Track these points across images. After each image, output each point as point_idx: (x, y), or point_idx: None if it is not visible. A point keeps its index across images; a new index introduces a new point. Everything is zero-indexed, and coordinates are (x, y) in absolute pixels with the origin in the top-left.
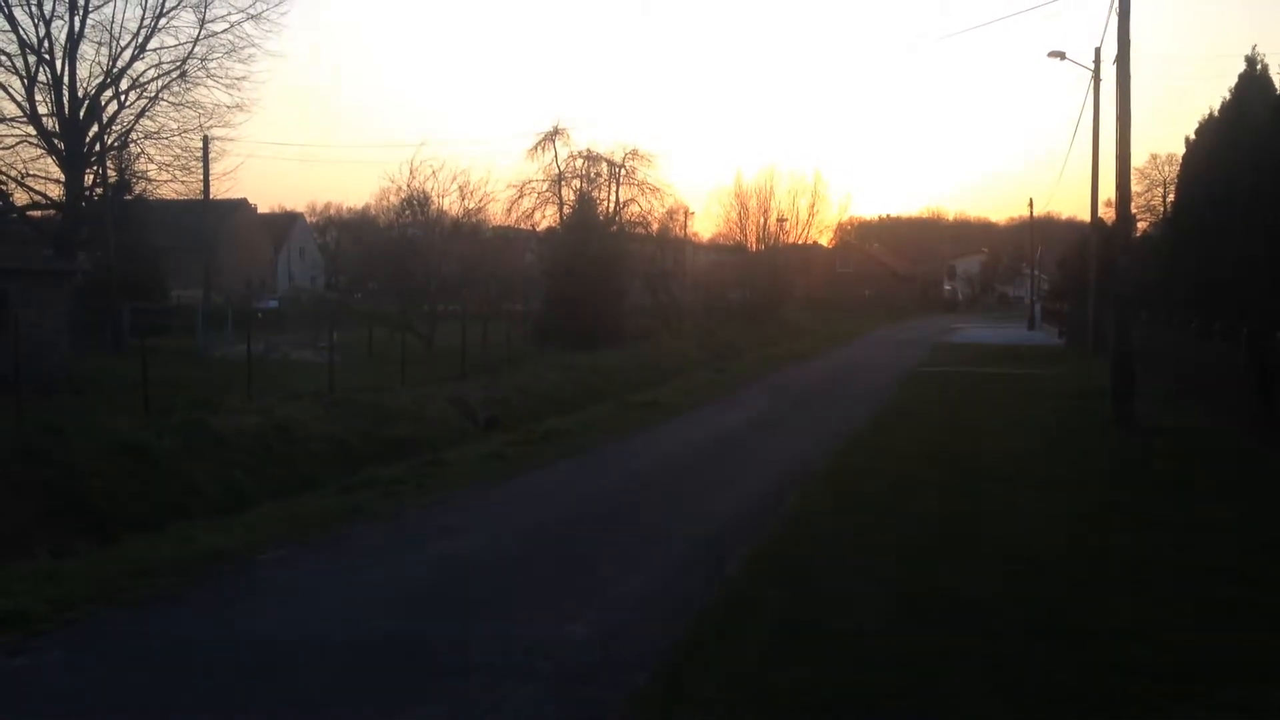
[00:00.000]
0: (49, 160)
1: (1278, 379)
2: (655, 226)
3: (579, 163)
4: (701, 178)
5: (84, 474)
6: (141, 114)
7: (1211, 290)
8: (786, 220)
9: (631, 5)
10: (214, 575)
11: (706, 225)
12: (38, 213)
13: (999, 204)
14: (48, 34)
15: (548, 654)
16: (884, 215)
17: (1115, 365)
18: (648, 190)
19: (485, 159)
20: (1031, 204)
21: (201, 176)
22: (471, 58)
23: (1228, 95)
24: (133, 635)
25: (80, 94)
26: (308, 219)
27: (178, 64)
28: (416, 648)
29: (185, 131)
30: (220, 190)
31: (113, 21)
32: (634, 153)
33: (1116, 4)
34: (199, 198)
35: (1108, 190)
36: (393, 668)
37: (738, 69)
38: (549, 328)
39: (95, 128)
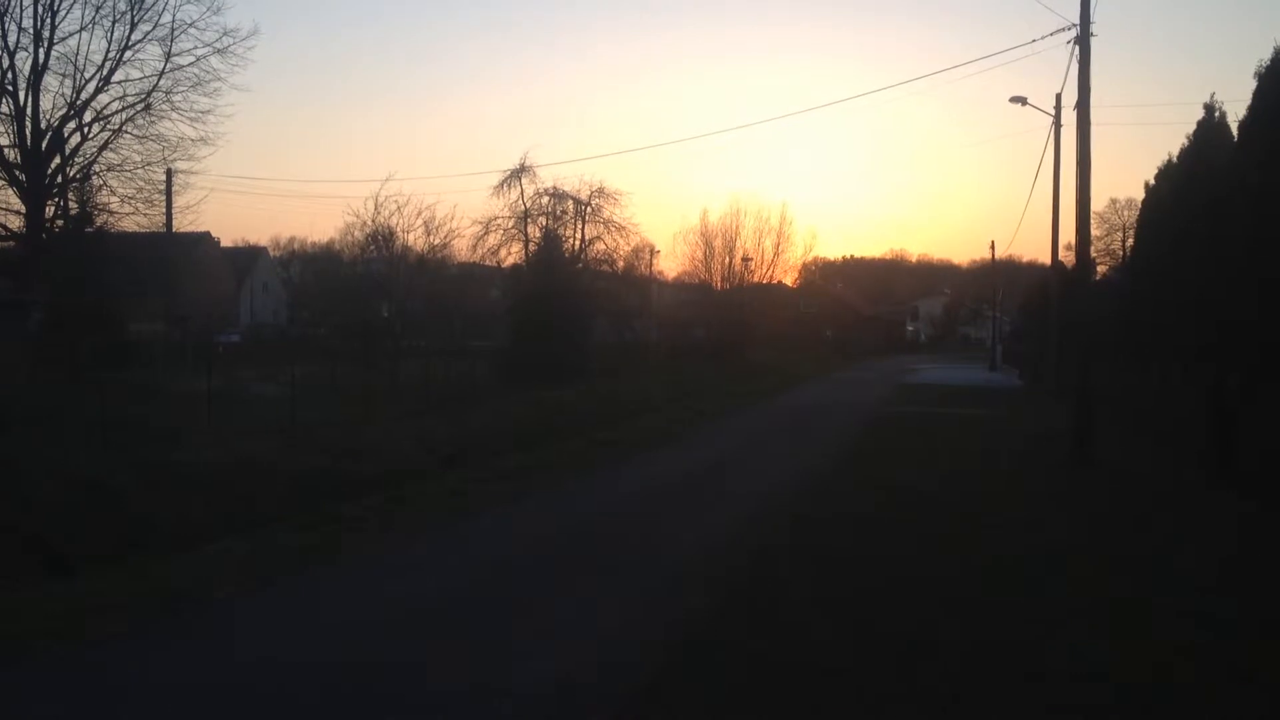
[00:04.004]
0: (10, 191)
1: (1234, 423)
2: (621, 264)
3: (545, 200)
4: (667, 216)
5: (40, 508)
6: (105, 146)
7: (1169, 333)
8: (751, 260)
9: (599, 47)
10: (170, 612)
11: (672, 264)
12: None
13: (962, 246)
14: (11, 65)
15: (505, 692)
16: (848, 256)
17: (1076, 407)
18: (613, 228)
19: (451, 195)
20: (993, 246)
21: (164, 209)
22: (439, 94)
23: (1187, 141)
24: (86, 672)
25: (43, 126)
26: (271, 253)
27: (142, 97)
28: (374, 685)
29: (148, 164)
30: (183, 223)
31: (77, 54)
32: (600, 190)
33: (1077, 52)
34: (161, 231)
35: (1068, 234)
36: (349, 707)
37: (706, 110)
38: (513, 364)
39: (57, 159)
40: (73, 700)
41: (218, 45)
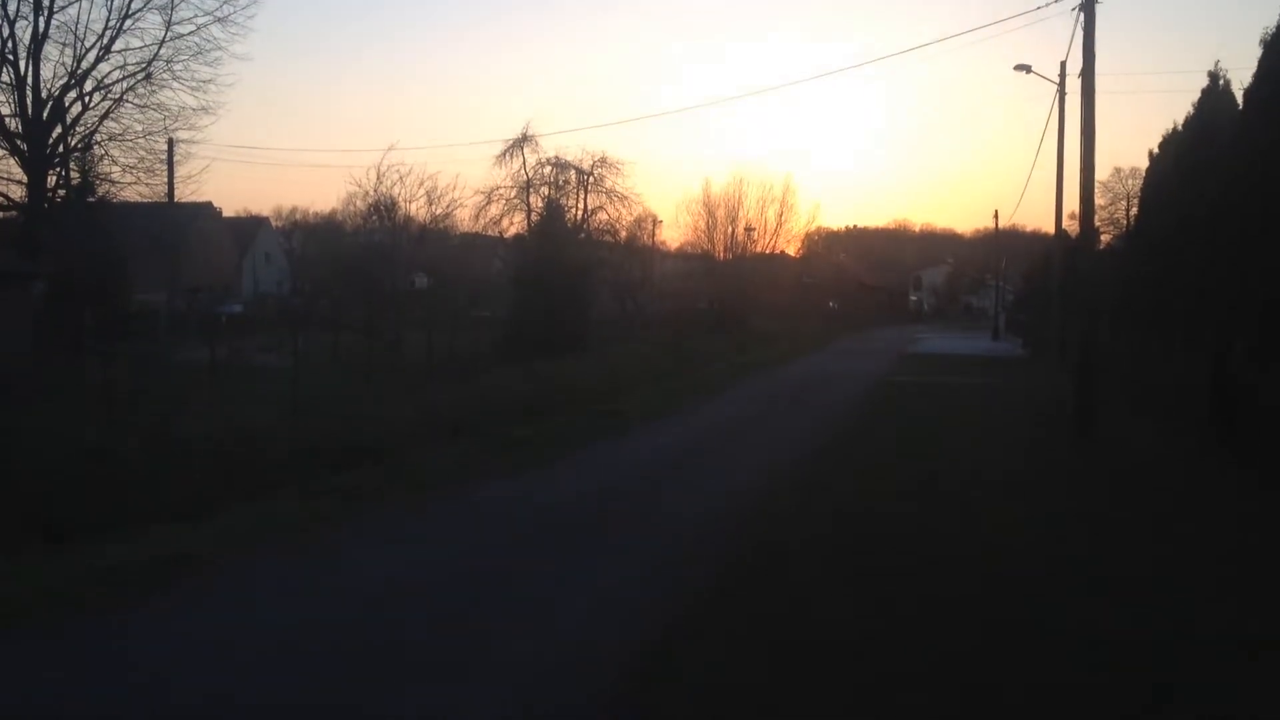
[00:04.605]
0: (11, 161)
1: (1237, 394)
2: (623, 235)
3: (547, 170)
4: (670, 186)
5: (44, 478)
6: (106, 115)
7: (1173, 303)
8: (754, 230)
9: (601, 13)
10: (173, 580)
11: (674, 234)
12: None
13: (965, 216)
14: (11, 34)
15: (514, 659)
16: (851, 225)
17: (1078, 379)
18: (616, 198)
19: (453, 165)
20: (997, 216)
21: (166, 179)
22: (440, 63)
23: (1191, 110)
24: (87, 640)
25: (44, 95)
26: (274, 224)
27: (143, 66)
28: (380, 651)
29: (150, 134)
30: (185, 193)
31: (78, 22)
32: (602, 160)
33: (1081, 19)
34: (163, 201)
35: (1072, 203)
36: (356, 669)
37: (708, 79)
38: (516, 335)
39: (59, 129)
40: (74, 668)
41: (218, 14)
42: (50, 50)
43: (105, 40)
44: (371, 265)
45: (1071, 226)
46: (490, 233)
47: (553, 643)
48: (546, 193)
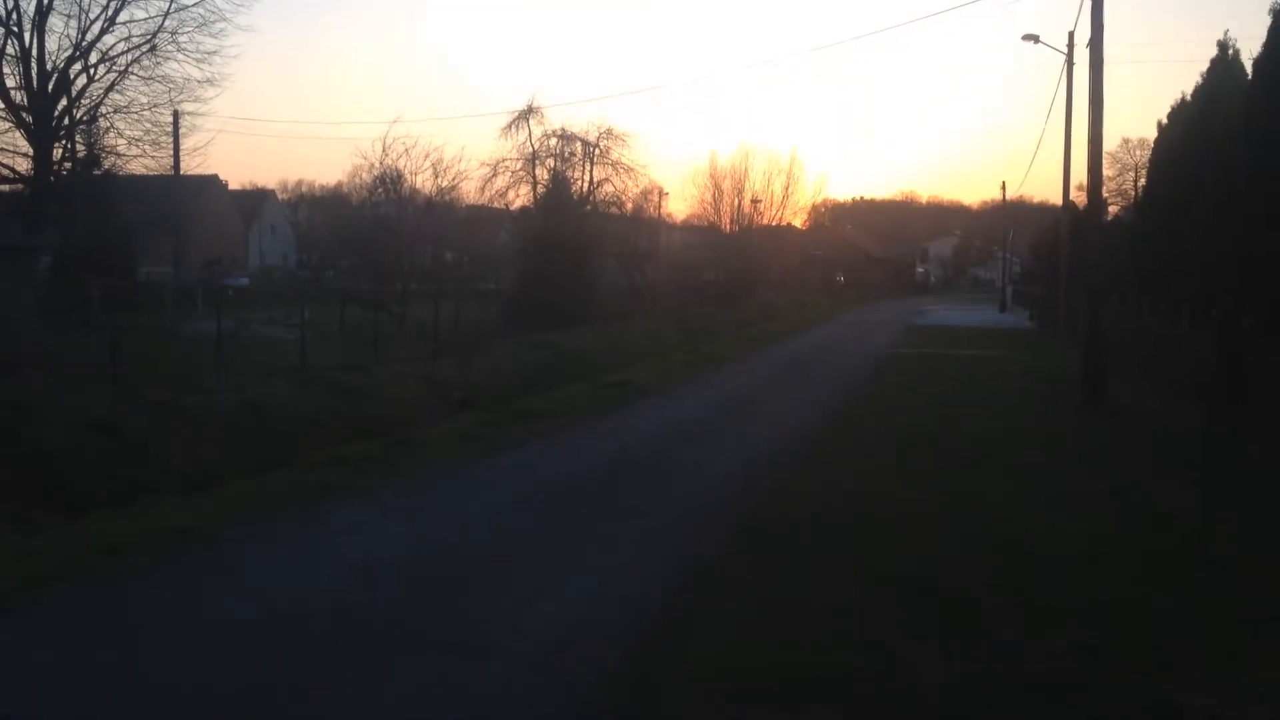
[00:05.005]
0: (17, 134)
1: (1244, 365)
2: (629, 207)
3: (553, 141)
4: (676, 158)
5: (52, 451)
6: (111, 88)
7: (1180, 275)
8: (761, 201)
9: None
10: (184, 552)
11: (681, 206)
12: (5, 187)
13: (972, 187)
14: (16, 6)
15: (519, 630)
16: (858, 197)
17: (1086, 350)
18: (622, 170)
19: (459, 137)
20: (1004, 187)
21: (171, 152)
22: (446, 34)
23: (1200, 80)
24: (100, 612)
25: (49, 67)
26: (279, 196)
27: (148, 37)
28: (385, 624)
29: (155, 106)
30: (191, 166)
31: None
32: (608, 132)
33: None
34: (169, 173)
35: (1080, 174)
36: (362, 642)
37: (714, 49)
38: (523, 307)
39: (64, 101)
40: (83, 640)
41: None
42: (55, 22)
43: (110, 12)
44: (377, 237)
45: (1079, 198)
46: (496, 205)
47: (551, 629)
48: (552, 165)
